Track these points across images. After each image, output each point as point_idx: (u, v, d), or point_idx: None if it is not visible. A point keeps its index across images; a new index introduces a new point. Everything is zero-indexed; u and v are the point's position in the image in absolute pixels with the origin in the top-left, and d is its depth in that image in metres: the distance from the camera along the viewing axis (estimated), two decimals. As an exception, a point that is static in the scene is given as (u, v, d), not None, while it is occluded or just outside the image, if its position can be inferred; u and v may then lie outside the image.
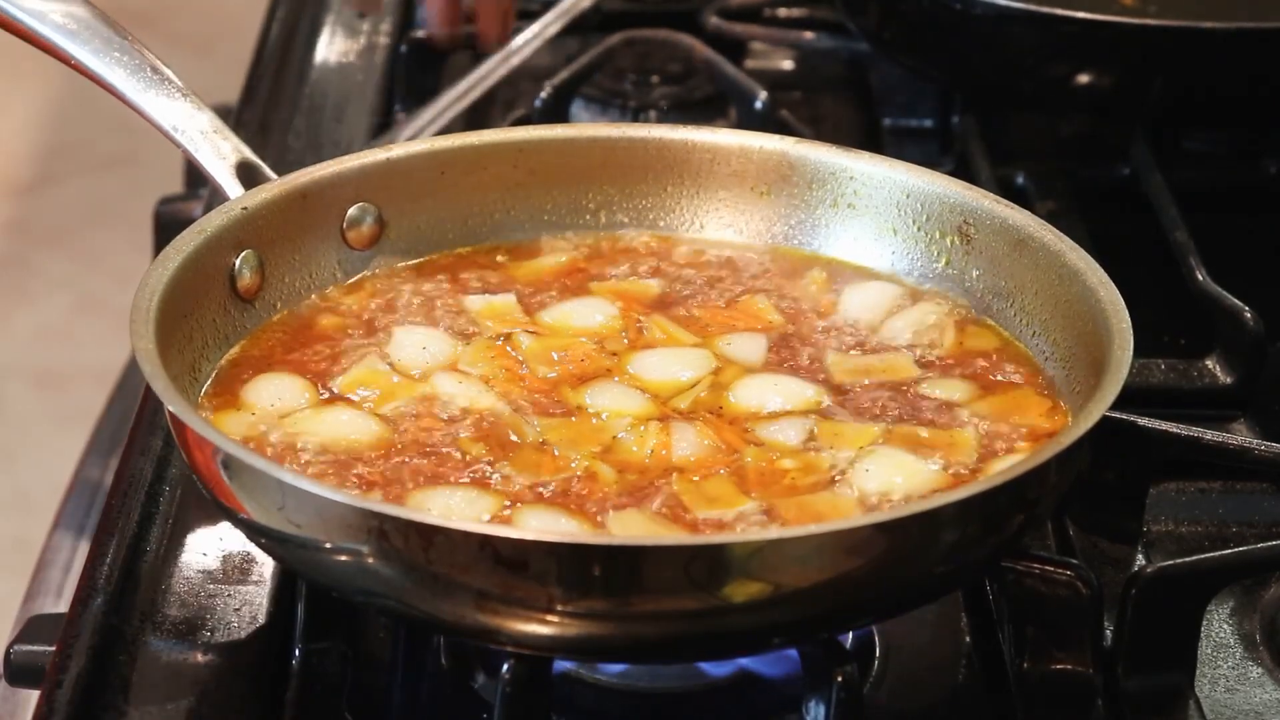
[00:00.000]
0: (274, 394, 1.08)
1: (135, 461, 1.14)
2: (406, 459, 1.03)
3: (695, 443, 1.05)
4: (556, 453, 1.04)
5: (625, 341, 1.14)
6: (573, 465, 1.03)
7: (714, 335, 1.14)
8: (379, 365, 1.11)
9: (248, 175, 1.14)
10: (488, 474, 1.02)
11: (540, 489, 1.01)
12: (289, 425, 1.06)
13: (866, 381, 1.10)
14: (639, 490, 1.01)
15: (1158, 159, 1.48)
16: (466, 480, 1.02)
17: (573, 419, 1.07)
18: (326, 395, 1.08)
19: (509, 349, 1.12)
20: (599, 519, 0.99)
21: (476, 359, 1.11)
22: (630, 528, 0.99)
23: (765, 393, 1.09)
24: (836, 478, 1.02)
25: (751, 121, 1.52)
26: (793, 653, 1.01)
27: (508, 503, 1.00)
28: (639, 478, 1.03)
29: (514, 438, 1.05)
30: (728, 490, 1.01)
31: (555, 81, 1.57)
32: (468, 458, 1.03)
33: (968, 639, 1.10)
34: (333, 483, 1.01)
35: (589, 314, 1.16)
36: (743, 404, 1.08)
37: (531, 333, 1.14)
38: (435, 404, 1.08)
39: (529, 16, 1.66)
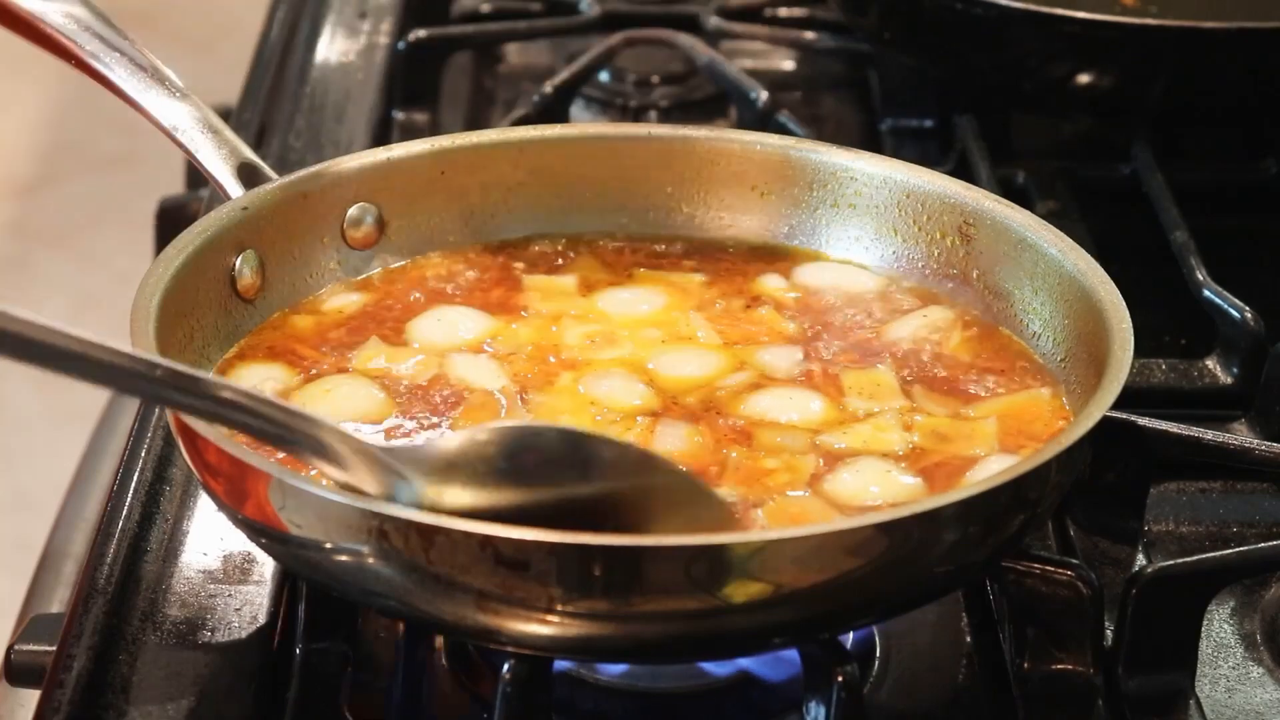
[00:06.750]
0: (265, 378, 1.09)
1: (135, 461, 1.14)
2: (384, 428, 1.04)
3: (682, 439, 1.05)
4: None
5: (659, 338, 1.14)
6: None
7: (731, 340, 1.14)
8: (381, 349, 1.11)
9: (248, 175, 1.14)
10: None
11: None
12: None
13: (878, 407, 1.10)
14: None
15: (1158, 159, 1.48)
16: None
17: (568, 404, 1.07)
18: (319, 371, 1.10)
19: (518, 332, 1.13)
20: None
21: (494, 339, 1.12)
22: None
23: (777, 404, 1.08)
24: (815, 478, 1.02)
25: (751, 121, 1.52)
26: (793, 653, 1.01)
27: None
28: None
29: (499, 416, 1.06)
30: None
31: (555, 81, 1.57)
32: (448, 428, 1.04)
33: (968, 639, 1.10)
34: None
35: (634, 304, 1.16)
36: (753, 412, 1.08)
37: (533, 316, 1.14)
38: (439, 381, 1.08)
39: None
